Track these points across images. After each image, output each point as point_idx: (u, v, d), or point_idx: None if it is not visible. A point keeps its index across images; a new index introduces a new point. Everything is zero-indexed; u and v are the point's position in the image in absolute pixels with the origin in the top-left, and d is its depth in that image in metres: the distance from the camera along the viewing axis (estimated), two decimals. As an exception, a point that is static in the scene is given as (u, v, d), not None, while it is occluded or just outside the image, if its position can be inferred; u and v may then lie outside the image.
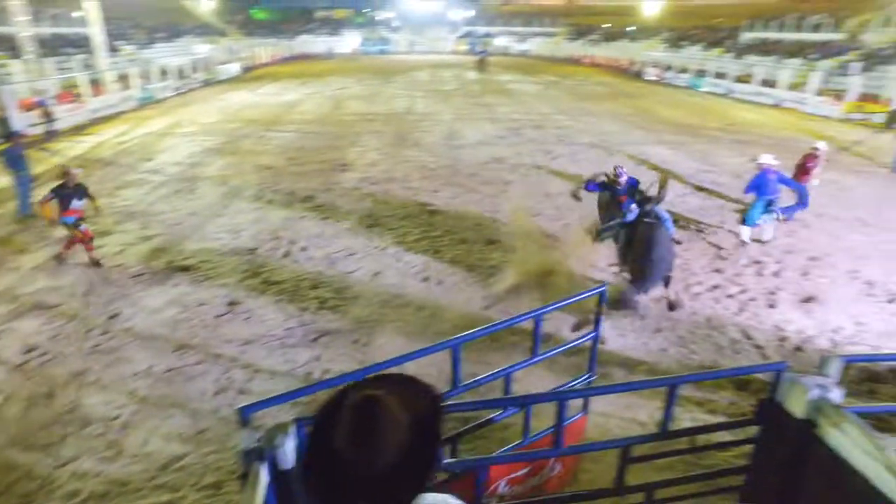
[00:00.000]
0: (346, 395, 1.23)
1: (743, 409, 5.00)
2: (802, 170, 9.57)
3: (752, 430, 3.20)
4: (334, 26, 61.59)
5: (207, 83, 30.38)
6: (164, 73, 26.43)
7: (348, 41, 59.20)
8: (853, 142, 16.68)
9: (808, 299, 7.22)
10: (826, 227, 9.83)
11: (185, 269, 7.95)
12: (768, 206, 8.47)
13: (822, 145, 9.78)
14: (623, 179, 7.16)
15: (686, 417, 5.03)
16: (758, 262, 8.25)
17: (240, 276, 7.71)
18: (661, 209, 6.91)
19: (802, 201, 8.64)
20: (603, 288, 3.79)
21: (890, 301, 7.25)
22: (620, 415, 5.04)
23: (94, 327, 6.48)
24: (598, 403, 4.62)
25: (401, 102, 24.00)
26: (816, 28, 35.63)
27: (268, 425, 2.57)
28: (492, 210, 10.33)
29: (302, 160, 13.91)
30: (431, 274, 7.79)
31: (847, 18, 34.33)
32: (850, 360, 3.09)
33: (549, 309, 3.60)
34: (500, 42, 63.01)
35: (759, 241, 8.87)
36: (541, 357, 3.61)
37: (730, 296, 7.27)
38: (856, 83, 23.41)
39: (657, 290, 6.82)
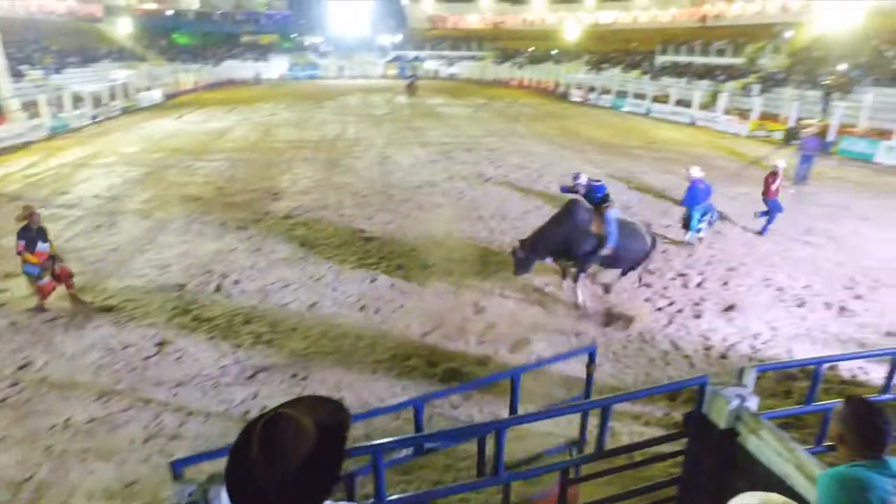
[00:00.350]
0: (264, 415, 1.37)
1: (676, 419, 5.24)
2: (768, 186, 10.53)
3: (684, 442, 3.36)
4: (261, 51, 60.65)
5: (127, 111, 29.13)
6: (78, 100, 25.14)
7: (276, 66, 58.44)
8: (759, 157, 18.00)
9: (730, 308, 7.68)
10: (741, 238, 10.53)
11: (108, 309, 7.53)
12: (703, 214, 9.63)
13: (780, 163, 10.82)
14: (581, 181, 7.89)
15: (624, 431, 5.23)
16: (683, 275, 8.72)
17: (168, 314, 7.38)
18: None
19: (772, 216, 10.47)
20: (593, 348, 3.82)
21: (798, 306, 7.82)
22: (562, 433, 5.16)
23: (0, 379, 6.00)
24: (540, 424, 4.70)
25: (332, 128, 23.88)
26: (721, 53, 38.39)
27: (204, 475, 2.49)
28: (426, 234, 10.41)
29: (232, 190, 13.55)
30: (368, 302, 7.74)
31: (745, 45, 37.23)
32: (762, 370, 3.33)
33: (529, 367, 3.55)
34: (429, 66, 64.02)
35: (698, 241, 9.97)
36: (525, 419, 3.51)
37: (659, 309, 7.63)
38: (757, 103, 25.33)
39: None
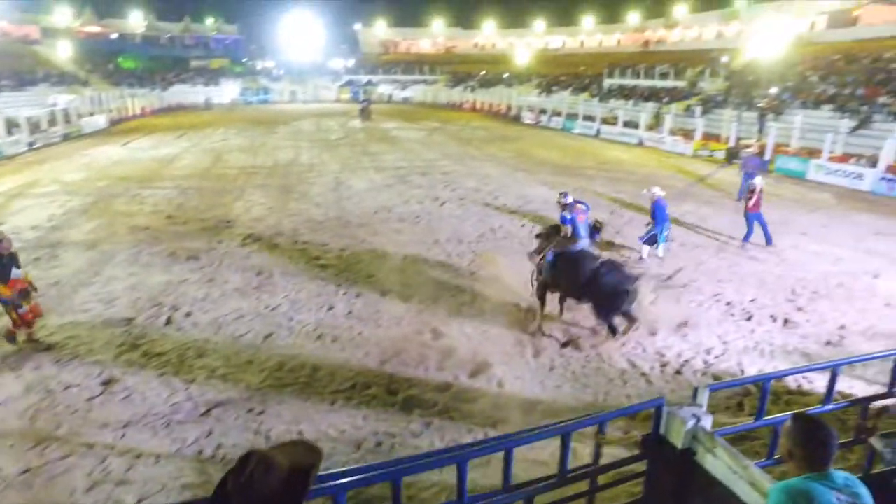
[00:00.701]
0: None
1: (635, 437, 5.31)
2: (749, 202, 11.25)
3: (644, 463, 3.42)
4: (212, 76, 59.78)
5: (69, 137, 28.12)
6: (13, 125, 24.09)
7: (227, 91, 57.69)
8: (704, 175, 18.77)
9: (683, 324, 7.90)
10: (691, 255, 10.90)
11: (48, 347, 7.14)
12: (665, 230, 10.39)
13: (758, 181, 11.48)
14: (567, 201, 8.00)
15: (586, 453, 5.25)
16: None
17: (115, 351, 7.05)
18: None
19: (755, 229, 11.33)
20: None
21: (747, 319, 8.12)
22: (524, 457, 5.16)
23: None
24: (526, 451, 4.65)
25: (285, 153, 23.65)
26: (664, 76, 40.12)
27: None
28: (384, 260, 10.36)
29: (182, 218, 13.18)
30: (326, 331, 7.61)
31: (686, 69, 39.07)
32: (715, 388, 3.42)
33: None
34: (382, 90, 64.45)
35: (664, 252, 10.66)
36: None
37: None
38: (699, 124, 26.50)
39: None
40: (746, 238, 11.45)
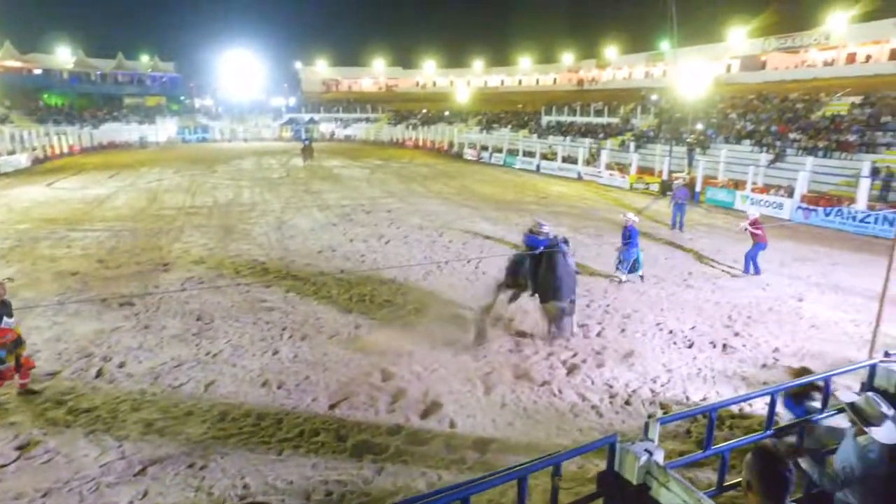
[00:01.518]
0: None
1: (589, 470, 5.32)
2: (754, 232, 11.65)
3: (600, 502, 3.40)
4: (147, 113, 58.15)
5: (-14, 178, 26.52)
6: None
7: (164, 129, 56.20)
8: (641, 208, 19.57)
9: (629, 354, 8.08)
10: (631, 286, 11.22)
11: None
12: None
13: (753, 213, 12.14)
14: (545, 230, 8.90)
15: (539, 490, 5.21)
16: (583, 325, 9.09)
17: (36, 410, 6.50)
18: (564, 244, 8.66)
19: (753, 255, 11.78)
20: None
21: (689, 346, 8.40)
22: (476, 500, 5.07)
23: None
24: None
25: (225, 193, 23.09)
26: (599, 113, 42.01)
27: None
28: (329, 301, 10.16)
29: (115, 262, 12.54)
30: (271, 377, 7.32)
31: (619, 106, 41.16)
32: (665, 422, 3.48)
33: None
34: (325, 128, 64.46)
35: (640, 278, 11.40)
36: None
37: (563, 361, 7.85)
38: (634, 159, 27.78)
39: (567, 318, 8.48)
40: (756, 270, 11.82)
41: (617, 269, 11.42)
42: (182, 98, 67.75)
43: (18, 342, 6.74)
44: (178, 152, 43.94)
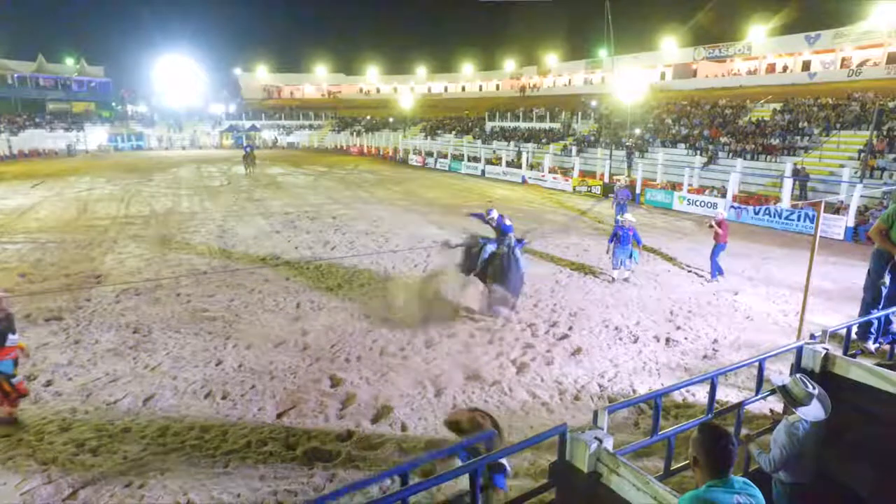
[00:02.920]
0: None
1: (542, 466, 5.37)
2: (718, 232, 11.80)
3: (553, 491, 3.43)
4: (75, 120, 55.24)
5: None
6: None
7: (94, 136, 53.62)
8: (585, 210, 20.07)
9: (577, 351, 8.22)
10: (577, 284, 11.47)
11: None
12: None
13: (721, 213, 12.43)
14: (493, 215, 10.23)
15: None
16: (531, 325, 9.20)
17: (-55, 436, 5.99)
18: (516, 242, 9.61)
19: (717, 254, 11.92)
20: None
21: (634, 342, 8.63)
22: (430, 500, 5.03)
23: None
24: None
25: (163, 202, 22.18)
26: (541, 119, 42.93)
27: None
28: (275, 309, 9.89)
29: (40, 276, 11.78)
30: (215, 387, 7.03)
31: (560, 112, 42.19)
32: (612, 410, 3.54)
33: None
34: (267, 135, 63.14)
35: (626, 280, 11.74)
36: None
37: (513, 360, 7.90)
38: (577, 162, 28.51)
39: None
40: (720, 271, 11.89)
41: (616, 267, 11.73)
42: (113, 104, 64.75)
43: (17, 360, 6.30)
44: (110, 161, 41.96)
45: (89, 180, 29.05)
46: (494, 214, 10.31)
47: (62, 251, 13.92)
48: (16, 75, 57.35)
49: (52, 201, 22.08)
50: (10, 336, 6.09)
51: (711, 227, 12.04)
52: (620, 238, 11.38)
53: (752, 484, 2.40)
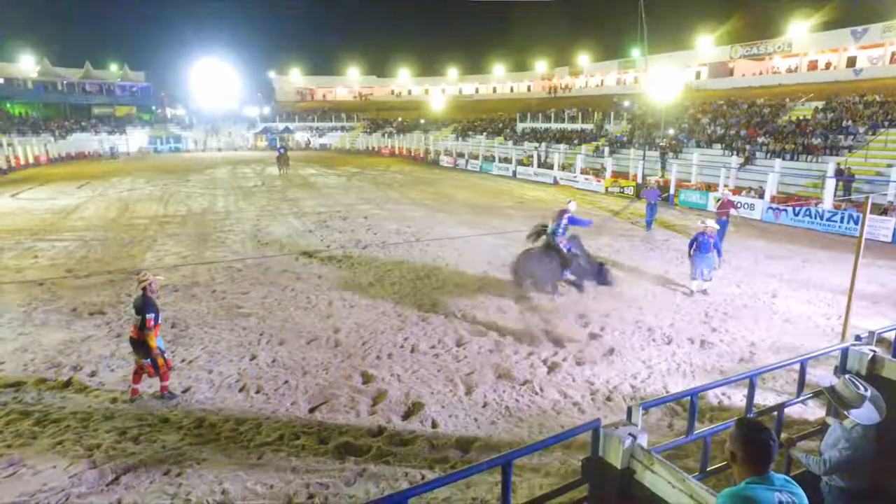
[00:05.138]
0: None
1: (573, 466, 5.31)
2: (721, 211, 11.96)
3: (585, 488, 3.39)
4: (117, 123, 57.13)
5: (-56, 190, 25.68)
6: None
7: (134, 139, 55.35)
8: (617, 210, 19.80)
9: (609, 352, 8.11)
10: (610, 287, 11.29)
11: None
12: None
13: (727, 193, 12.68)
14: (572, 207, 10.40)
15: (524, 486, 5.19)
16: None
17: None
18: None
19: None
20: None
21: (667, 343, 8.47)
22: (462, 496, 5.03)
23: None
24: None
25: (199, 201, 22.74)
26: (573, 119, 42.53)
27: None
28: (307, 306, 10.03)
29: (85, 271, 12.21)
30: (249, 381, 7.18)
31: (592, 113, 41.73)
32: (647, 406, 3.49)
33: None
34: (300, 137, 64.11)
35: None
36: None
37: (544, 360, 7.85)
38: (609, 163, 28.14)
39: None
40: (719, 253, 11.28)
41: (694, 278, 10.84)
42: (153, 108, 66.81)
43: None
44: (149, 162, 43.22)
45: (130, 181, 29.98)
46: (573, 207, 10.51)
47: (105, 248, 14.40)
48: (65, 81, 59.71)
49: (96, 201, 22.86)
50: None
51: (720, 199, 11.92)
52: (701, 245, 10.50)
53: (793, 482, 2.30)
